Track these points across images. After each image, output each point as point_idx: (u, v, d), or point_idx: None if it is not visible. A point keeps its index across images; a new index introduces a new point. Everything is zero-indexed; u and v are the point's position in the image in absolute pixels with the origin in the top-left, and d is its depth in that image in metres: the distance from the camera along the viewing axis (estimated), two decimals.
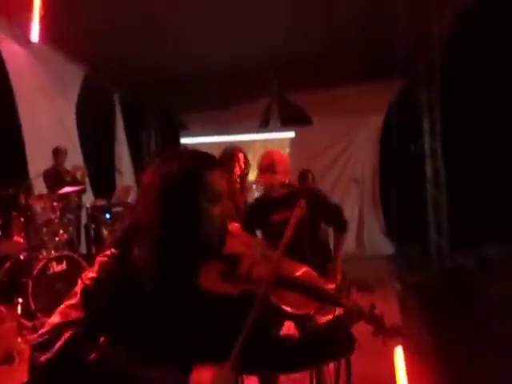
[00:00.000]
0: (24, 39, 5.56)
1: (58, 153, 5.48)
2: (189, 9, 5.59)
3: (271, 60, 7.18)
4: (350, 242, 8.43)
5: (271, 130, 9.10)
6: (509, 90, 7.66)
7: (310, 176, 6.20)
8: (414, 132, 7.95)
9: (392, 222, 8.26)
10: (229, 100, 8.43)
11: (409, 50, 6.94)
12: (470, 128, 8.30)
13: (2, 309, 3.55)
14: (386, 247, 8.14)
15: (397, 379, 3.13)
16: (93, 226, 4.74)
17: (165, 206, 1.13)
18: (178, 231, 1.15)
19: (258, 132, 9.15)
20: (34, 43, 5.61)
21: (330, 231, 3.37)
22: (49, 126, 6.06)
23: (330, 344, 1.24)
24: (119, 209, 5.64)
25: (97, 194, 6.58)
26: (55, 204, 3.88)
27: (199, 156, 1.25)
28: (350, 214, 8.60)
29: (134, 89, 8.20)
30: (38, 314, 3.60)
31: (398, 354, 3.36)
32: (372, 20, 6.06)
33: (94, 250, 4.88)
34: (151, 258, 1.11)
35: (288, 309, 1.23)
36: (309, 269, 1.32)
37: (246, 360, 1.11)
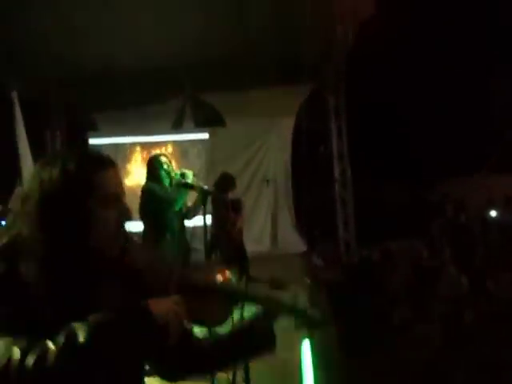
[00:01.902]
0: None
1: None
2: (101, 4, 5.36)
3: (184, 60, 7.12)
4: (264, 241, 8.62)
5: (185, 131, 9.01)
6: (410, 95, 8.35)
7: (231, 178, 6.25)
8: (322, 134, 8.33)
9: (304, 220, 8.59)
10: (141, 100, 8.19)
11: (316, 56, 7.30)
12: (374, 131, 8.91)
13: None
14: (299, 245, 8.43)
15: (303, 370, 3.27)
16: None
17: (45, 217, 1.00)
18: (64, 244, 1.01)
19: (171, 133, 9.02)
20: None
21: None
22: None
23: (250, 341, 1.21)
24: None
25: None
26: None
27: (85, 156, 1.11)
28: (264, 214, 8.80)
29: (37, 86, 7.65)
30: None
31: (305, 345, 3.49)
32: (281, 24, 6.27)
33: None
34: (41, 280, 0.97)
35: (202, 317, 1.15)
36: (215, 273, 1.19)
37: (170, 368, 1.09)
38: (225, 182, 6.12)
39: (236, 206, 6.33)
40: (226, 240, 6.07)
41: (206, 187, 3.40)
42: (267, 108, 8.10)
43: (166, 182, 3.76)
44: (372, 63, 8.10)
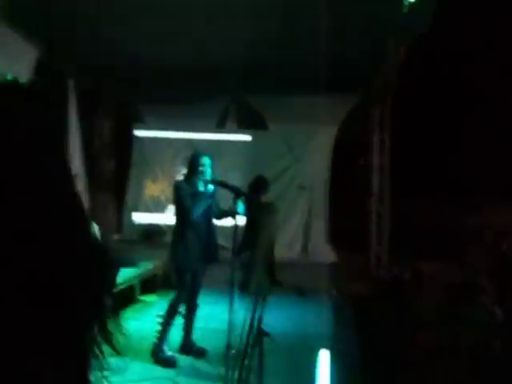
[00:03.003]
0: None
1: None
2: (154, 3, 5.54)
3: (233, 61, 7.22)
4: (295, 249, 8.63)
5: (227, 132, 9.15)
6: (460, 114, 8.14)
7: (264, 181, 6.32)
8: (364, 146, 8.24)
9: (338, 231, 8.53)
10: (187, 97, 8.40)
11: (366, 68, 7.24)
12: (418, 147, 8.73)
13: None
14: (330, 255, 8.38)
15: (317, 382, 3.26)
16: None
17: None
18: None
19: (214, 132, 9.18)
20: None
21: None
22: None
23: None
24: None
25: None
26: None
27: None
28: (298, 221, 8.80)
29: (91, 76, 7.99)
30: None
31: (323, 357, 3.48)
32: (335, 33, 6.25)
33: None
34: None
35: None
36: None
37: None
38: (258, 185, 6.19)
39: (268, 210, 6.36)
40: (255, 242, 6.10)
41: (238, 187, 3.47)
42: (310, 115, 8.09)
43: (199, 181, 3.85)
44: (423, 79, 7.94)
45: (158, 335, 3.83)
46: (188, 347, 3.99)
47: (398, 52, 6.46)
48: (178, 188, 3.86)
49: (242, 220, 6.35)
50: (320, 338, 4.11)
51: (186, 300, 3.93)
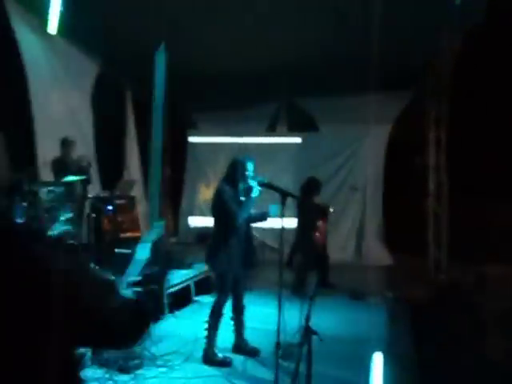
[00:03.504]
0: (42, 30, 5.74)
1: (66, 143, 5.64)
2: (204, 8, 5.72)
3: (283, 64, 7.27)
4: (348, 251, 8.50)
5: (278, 135, 9.20)
6: None
7: (317, 182, 6.31)
8: (419, 144, 7.97)
9: (393, 232, 8.30)
10: (238, 102, 8.55)
11: (420, 64, 7.03)
12: (476, 144, 8.32)
13: None
14: (385, 258, 8.18)
15: None
16: (93, 215, 4.88)
17: None
18: None
19: (265, 136, 9.27)
20: (51, 35, 5.81)
21: None
22: (61, 117, 6.22)
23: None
24: (121, 201, 5.78)
25: (105, 186, 6.73)
26: (58, 191, 4.01)
27: None
28: (351, 222, 8.68)
29: (146, 85, 8.34)
30: None
31: (377, 360, 3.41)
32: (385, 31, 6.14)
33: (92, 240, 5.01)
34: None
35: None
36: None
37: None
38: (310, 187, 6.17)
39: (322, 212, 6.34)
40: (308, 244, 6.12)
41: (284, 188, 3.45)
42: (362, 114, 7.95)
43: (240, 185, 3.81)
44: (479, 74, 7.57)
45: (206, 340, 3.86)
46: (241, 347, 4.06)
47: (452, 46, 6.22)
48: (222, 192, 3.80)
49: (292, 222, 6.39)
50: (374, 342, 4.04)
51: (228, 303, 3.95)
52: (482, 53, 6.87)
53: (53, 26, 5.67)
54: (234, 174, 3.84)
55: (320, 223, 6.16)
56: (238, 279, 3.94)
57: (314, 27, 6.09)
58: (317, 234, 6.15)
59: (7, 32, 5.24)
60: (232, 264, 3.80)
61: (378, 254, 8.24)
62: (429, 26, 5.73)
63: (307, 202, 6.08)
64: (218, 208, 3.82)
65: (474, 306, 5.95)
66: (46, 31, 5.71)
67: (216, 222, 3.93)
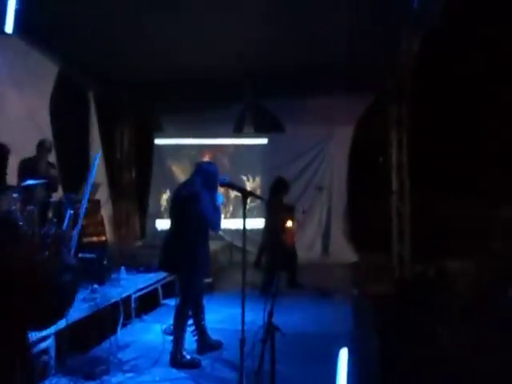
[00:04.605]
0: None
1: (44, 145, 5.51)
2: (169, 11, 5.68)
3: (248, 66, 7.31)
4: (315, 249, 8.63)
5: (244, 136, 9.24)
6: (473, 108, 8.00)
7: (285, 182, 6.37)
8: (382, 145, 8.19)
9: (357, 230, 8.49)
10: (204, 104, 8.54)
11: (380, 66, 7.22)
12: (436, 143, 8.61)
13: None
14: (350, 255, 8.35)
15: (337, 381, 3.27)
16: (55, 220, 4.75)
17: None
18: None
19: (231, 137, 9.29)
20: (9, 35, 5.62)
21: None
22: (19, 119, 6.03)
23: None
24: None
25: (67, 190, 6.55)
26: (15, 196, 3.87)
27: None
28: (317, 222, 8.81)
29: (110, 87, 8.21)
30: None
31: (342, 356, 3.49)
32: (348, 34, 6.27)
33: None
34: None
35: None
36: None
37: None
38: (278, 187, 6.23)
39: (290, 212, 6.40)
40: (276, 244, 6.17)
41: (244, 187, 3.48)
42: (327, 116, 8.12)
43: (213, 192, 3.84)
44: (437, 75, 7.85)
45: (173, 343, 3.81)
46: (205, 344, 4.07)
47: (411, 48, 6.42)
48: (200, 199, 3.68)
49: (260, 222, 6.44)
50: (340, 338, 4.12)
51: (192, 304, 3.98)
52: (440, 55, 7.12)
53: (9, 25, 5.49)
54: (211, 181, 3.77)
55: (288, 223, 6.22)
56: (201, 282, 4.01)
57: (278, 28, 6.16)
58: (285, 233, 6.20)
59: None
60: (201, 269, 3.82)
61: (344, 252, 8.40)
62: (390, 28, 5.89)
63: (275, 201, 6.13)
64: (194, 214, 3.70)
65: (436, 299, 6.16)
66: (3, 30, 5.52)
67: (182, 225, 3.82)
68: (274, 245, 6.17)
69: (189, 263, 3.73)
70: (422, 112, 8.12)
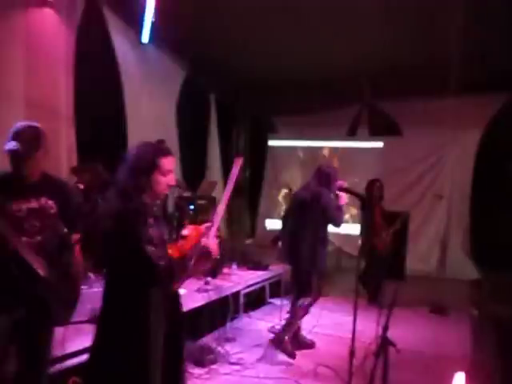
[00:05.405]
0: (136, 40, 6.17)
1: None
2: (287, 16, 5.79)
3: (365, 67, 7.12)
4: (431, 261, 8.08)
5: (359, 139, 9.00)
6: None
7: (378, 184, 6.05)
8: None
9: (480, 244, 7.74)
10: (319, 105, 8.51)
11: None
12: None
13: (92, 275, 4.08)
14: (470, 271, 7.64)
15: None
16: (176, 214, 5.12)
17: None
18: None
19: (345, 140, 9.12)
20: (144, 44, 6.23)
21: None
22: (150, 121, 6.61)
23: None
24: (203, 202, 6.01)
25: (188, 187, 7.03)
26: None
27: (153, 146, 2.11)
28: (434, 232, 8.23)
29: (229, 89, 8.61)
30: None
31: (458, 381, 3.21)
32: (474, 33, 5.78)
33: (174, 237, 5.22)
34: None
35: None
36: None
37: None
38: (373, 190, 5.92)
39: (389, 218, 6.01)
40: (370, 249, 5.78)
41: (362, 194, 3.51)
42: (449, 119, 7.52)
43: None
44: None
45: (285, 327, 4.08)
46: (298, 341, 4.22)
47: None
48: (322, 196, 3.96)
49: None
50: (456, 360, 3.81)
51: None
52: None
53: (145, 36, 6.07)
54: (330, 183, 3.99)
55: (384, 231, 5.84)
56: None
57: (396, 28, 5.90)
58: (378, 240, 5.81)
59: (106, 42, 5.70)
60: (319, 264, 4.04)
61: (462, 267, 7.72)
62: None
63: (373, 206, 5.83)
64: (315, 208, 3.95)
65: None
66: (139, 40, 6.12)
67: (305, 220, 4.04)
68: (367, 252, 5.81)
69: (308, 256, 3.96)
70: None
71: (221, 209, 2.05)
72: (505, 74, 6.57)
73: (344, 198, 3.95)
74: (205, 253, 1.90)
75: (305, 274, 4.07)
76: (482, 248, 7.63)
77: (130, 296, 1.88)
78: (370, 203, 5.59)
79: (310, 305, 4.11)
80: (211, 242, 1.93)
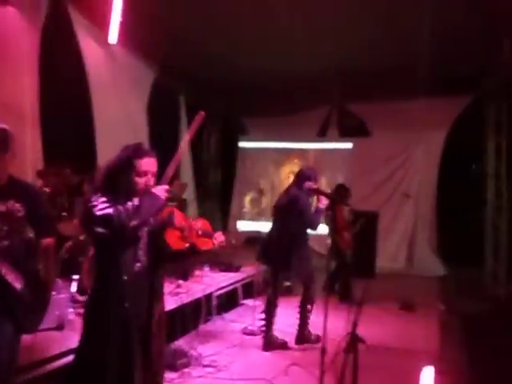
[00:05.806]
0: (103, 40, 6.04)
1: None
2: (256, 16, 5.80)
3: (335, 69, 7.22)
4: (399, 259, 8.28)
5: (329, 140, 9.13)
6: None
7: (342, 189, 6.16)
8: (476, 151, 7.64)
9: (446, 242, 7.99)
10: (289, 107, 8.58)
11: (477, 68, 6.75)
12: None
13: (59, 281, 3.97)
14: (437, 268, 7.88)
15: None
16: None
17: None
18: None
19: (315, 141, 9.23)
20: (112, 44, 6.11)
21: None
22: (119, 122, 6.49)
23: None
24: (173, 204, 5.95)
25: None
26: None
27: (133, 147, 2.26)
28: (402, 231, 8.43)
29: (198, 91, 8.57)
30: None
31: (426, 375, 3.30)
32: (440, 35, 5.96)
33: None
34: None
35: None
36: None
37: None
38: (339, 193, 6.01)
39: (351, 219, 6.14)
40: (335, 247, 5.87)
41: (331, 193, 3.57)
42: (416, 120, 7.73)
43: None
44: None
45: (266, 327, 4.18)
46: (271, 342, 4.25)
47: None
48: (298, 200, 4.01)
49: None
50: (425, 354, 3.92)
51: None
52: None
53: (113, 36, 5.95)
54: (303, 184, 4.04)
55: (346, 231, 5.95)
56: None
57: (365, 32, 6.02)
58: (342, 240, 5.92)
59: (72, 42, 5.57)
60: (298, 267, 4.11)
61: (430, 264, 7.95)
62: (488, 28, 5.49)
63: (337, 208, 5.92)
64: (293, 212, 4.00)
65: None
66: (107, 40, 6.01)
67: (284, 224, 4.10)
68: (334, 251, 5.90)
69: (285, 258, 4.03)
70: None
71: (177, 158, 2.29)
72: (468, 78, 6.81)
73: (323, 200, 3.96)
74: (151, 194, 2.09)
75: (278, 274, 4.18)
76: (447, 245, 7.88)
77: (104, 274, 2.10)
78: (334, 205, 5.67)
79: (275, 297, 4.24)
80: (159, 188, 2.14)
